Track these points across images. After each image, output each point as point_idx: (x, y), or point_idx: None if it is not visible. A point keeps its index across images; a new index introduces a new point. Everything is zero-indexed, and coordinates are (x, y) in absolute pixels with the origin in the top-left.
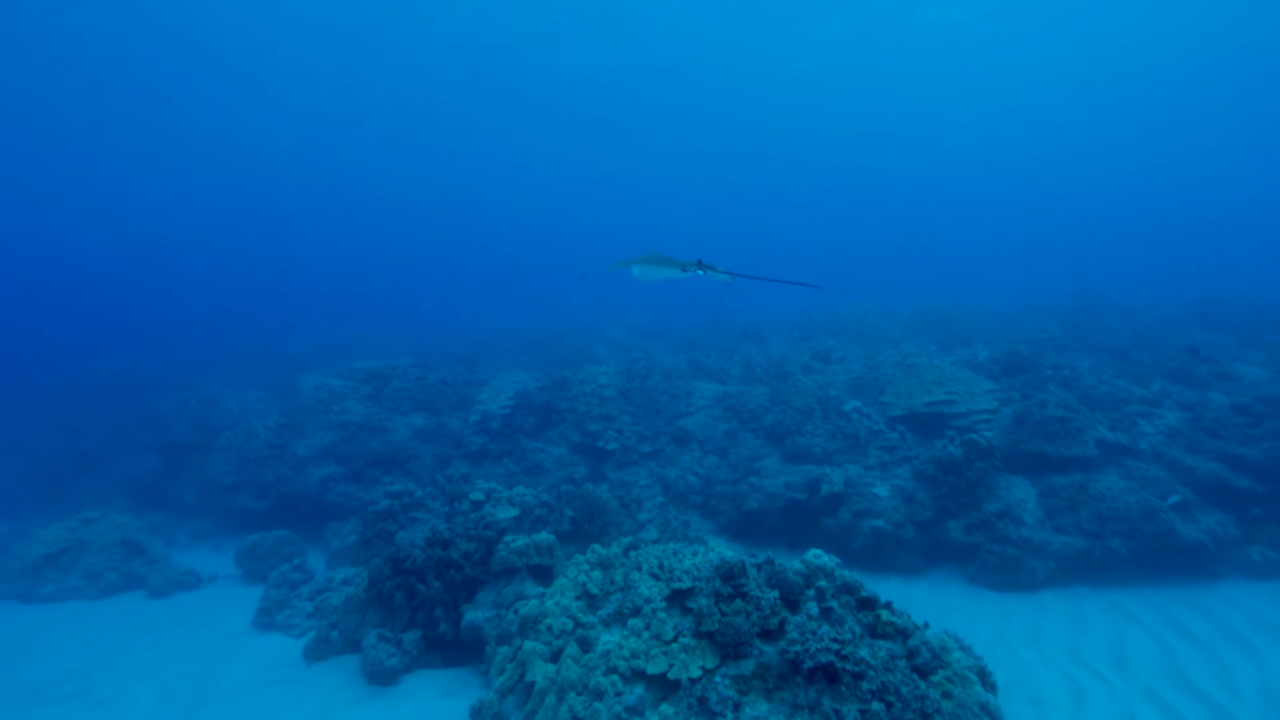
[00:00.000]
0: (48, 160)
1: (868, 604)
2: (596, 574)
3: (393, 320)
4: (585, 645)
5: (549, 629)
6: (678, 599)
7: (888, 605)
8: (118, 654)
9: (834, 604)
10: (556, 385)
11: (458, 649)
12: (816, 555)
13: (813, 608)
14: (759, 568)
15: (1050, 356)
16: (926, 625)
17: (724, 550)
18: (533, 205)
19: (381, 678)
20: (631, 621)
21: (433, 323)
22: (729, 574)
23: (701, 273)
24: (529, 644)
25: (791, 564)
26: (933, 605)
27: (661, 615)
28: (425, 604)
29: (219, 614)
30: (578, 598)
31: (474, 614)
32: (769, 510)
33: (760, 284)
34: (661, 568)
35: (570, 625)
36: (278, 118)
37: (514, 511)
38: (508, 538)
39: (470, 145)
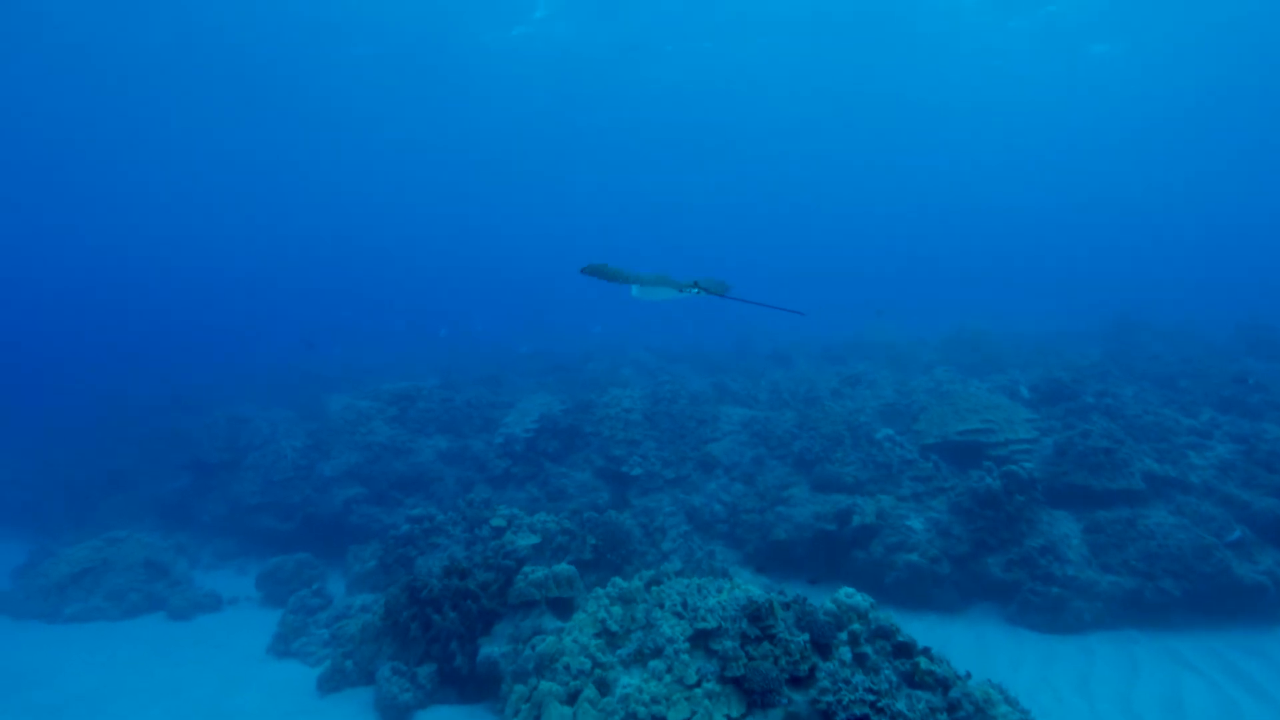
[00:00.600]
0: (80, 183)
1: (905, 650)
2: (617, 609)
3: (418, 341)
4: (603, 688)
5: (566, 668)
6: (702, 640)
7: (926, 652)
8: (132, 677)
9: (868, 649)
10: (581, 408)
11: (473, 684)
12: (849, 594)
13: (846, 653)
14: (787, 607)
15: (1092, 383)
16: (969, 675)
17: (751, 588)
18: (553, 228)
19: (394, 713)
20: (653, 663)
21: (458, 344)
22: (756, 614)
23: (696, 292)
24: (545, 684)
25: (822, 603)
26: (972, 647)
27: (684, 657)
28: (441, 636)
29: (237, 638)
30: (597, 635)
31: (490, 648)
32: (797, 541)
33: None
34: (685, 605)
35: (588, 665)
36: (298, 138)
37: (535, 539)
38: (527, 568)
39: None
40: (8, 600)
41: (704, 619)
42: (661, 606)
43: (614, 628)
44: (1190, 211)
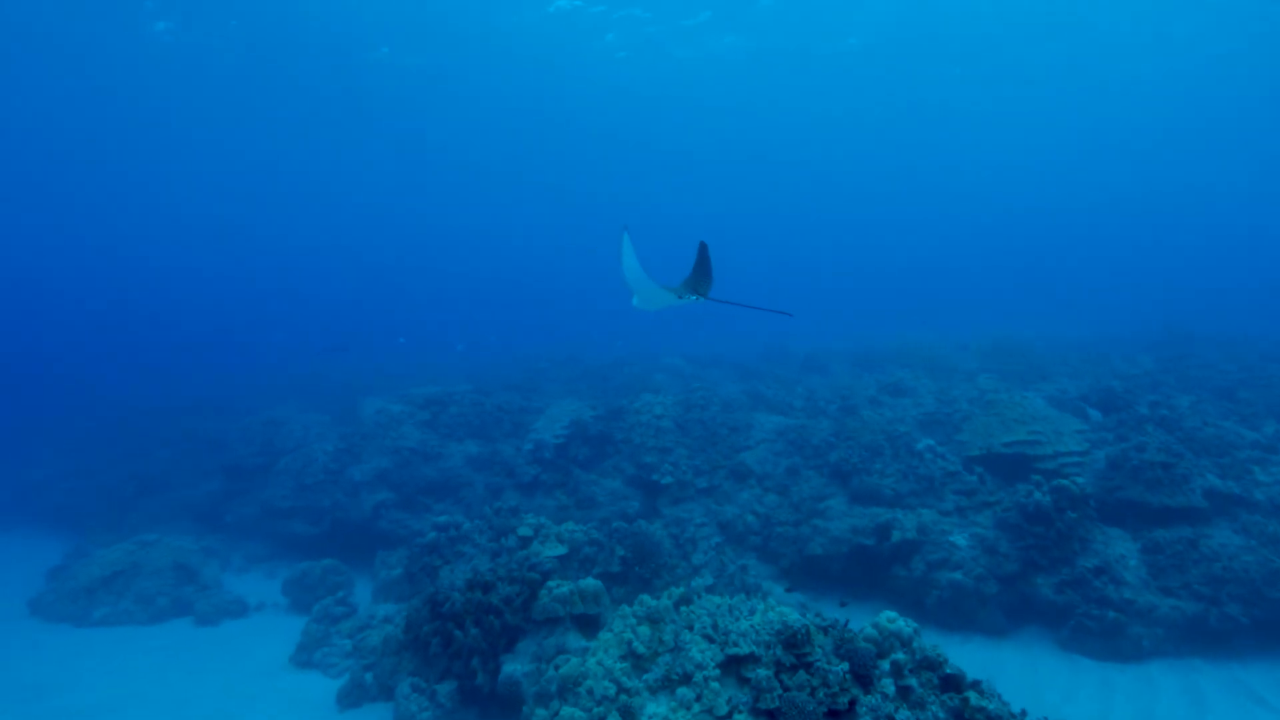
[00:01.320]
0: (117, 192)
1: (953, 683)
2: (644, 630)
3: (450, 347)
4: (628, 716)
5: (589, 693)
6: (733, 666)
7: (976, 686)
8: (153, 686)
9: (913, 681)
10: (612, 415)
11: (495, 704)
12: (890, 619)
13: (888, 685)
14: (826, 631)
15: (1145, 393)
16: (1024, 714)
17: (786, 610)
18: (581, 234)
19: None
20: (681, 691)
21: (490, 350)
22: (792, 641)
23: (694, 298)
24: (567, 710)
25: (862, 627)
26: (1023, 674)
27: (715, 685)
28: (462, 653)
29: (260, 647)
30: (622, 657)
31: (513, 666)
32: (834, 556)
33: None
34: (716, 628)
35: (613, 690)
36: (326, 149)
37: (562, 549)
38: (551, 583)
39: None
40: (40, 602)
41: (736, 644)
42: (691, 629)
43: (640, 649)
44: (1237, 214)
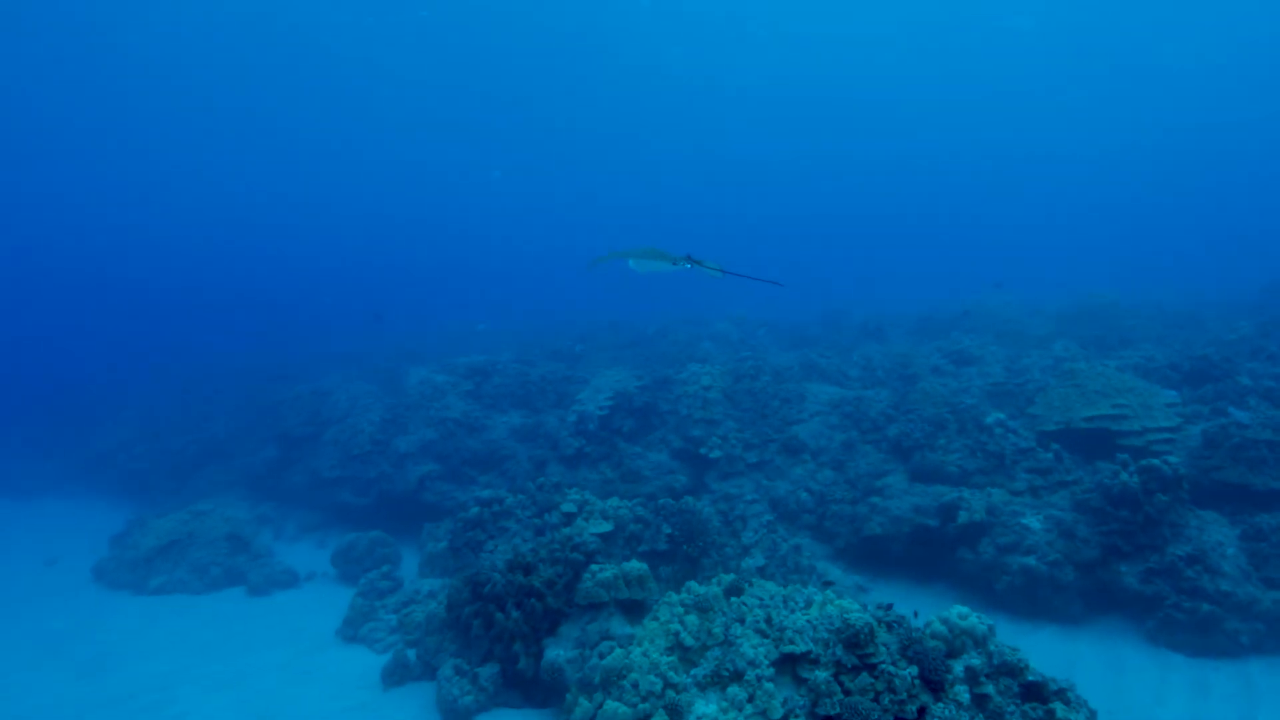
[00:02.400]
0: (182, 164)
1: (1035, 692)
2: (692, 619)
3: (500, 311)
4: (675, 714)
5: (634, 687)
6: (789, 665)
7: (1062, 695)
8: (206, 662)
9: (990, 688)
10: (658, 385)
11: (538, 688)
12: (962, 615)
13: (962, 693)
14: (890, 627)
15: (1244, 362)
16: None
17: (847, 604)
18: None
19: (455, 717)
20: (732, 689)
21: (537, 314)
22: (854, 640)
23: (689, 266)
24: (611, 704)
25: (929, 622)
26: (1104, 668)
27: (769, 686)
28: (504, 636)
29: (308, 619)
30: (669, 649)
31: (556, 651)
32: (893, 536)
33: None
34: (770, 622)
35: (659, 686)
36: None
37: (607, 526)
38: (595, 566)
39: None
40: (102, 569)
41: (792, 641)
42: (742, 621)
43: (688, 641)
44: None
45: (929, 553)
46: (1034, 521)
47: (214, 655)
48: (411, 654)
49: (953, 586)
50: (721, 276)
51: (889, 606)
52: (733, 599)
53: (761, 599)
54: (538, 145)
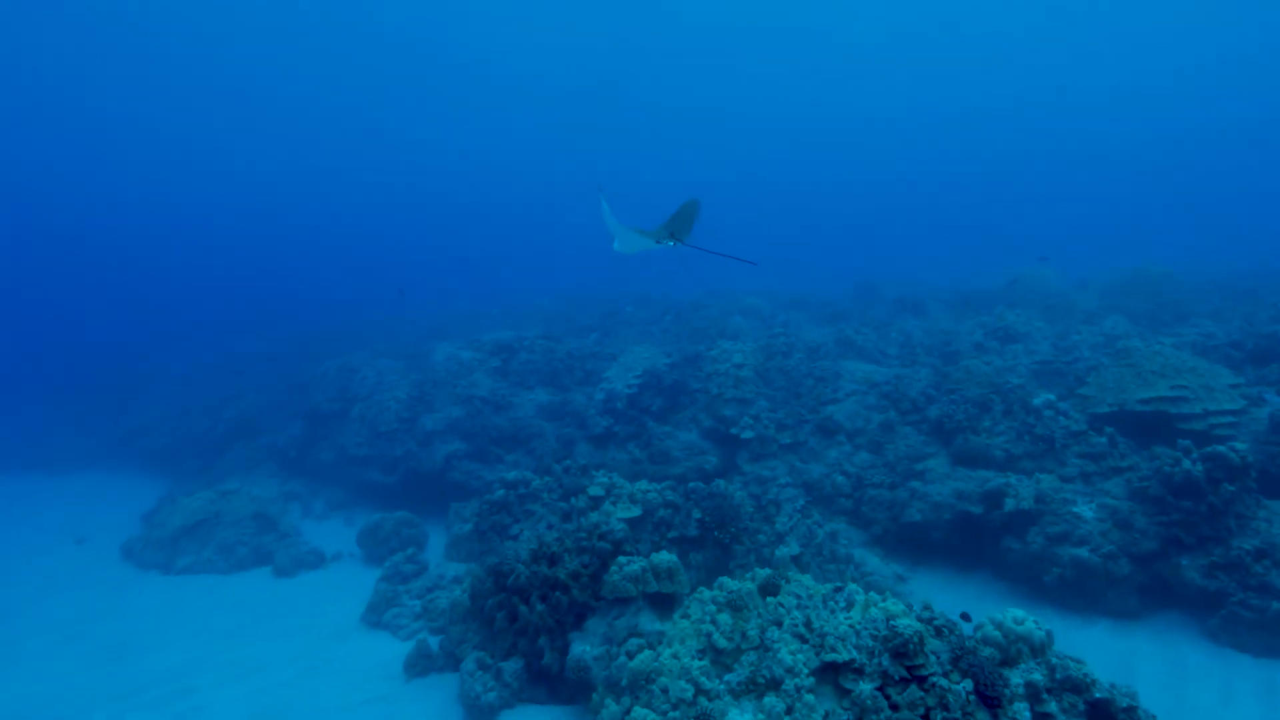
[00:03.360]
0: (217, 146)
1: (1103, 712)
2: (725, 618)
3: (527, 284)
4: None
5: (664, 692)
6: (830, 674)
7: (1132, 714)
8: (229, 648)
9: (1053, 706)
10: (688, 361)
11: (564, 683)
12: (1018, 620)
13: (1022, 712)
14: (939, 632)
15: None
16: None
17: (891, 606)
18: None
19: (477, 713)
20: (768, 700)
21: (566, 288)
22: (902, 649)
23: (672, 243)
24: (639, 710)
25: (979, 625)
26: (1164, 668)
27: (809, 698)
28: (528, 630)
29: (333, 603)
30: (700, 652)
31: (582, 647)
32: (934, 524)
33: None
34: (809, 625)
35: (690, 693)
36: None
37: (635, 511)
38: (622, 559)
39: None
40: (130, 549)
41: (833, 648)
42: (779, 625)
43: (721, 643)
44: None
45: (971, 540)
46: (1086, 510)
47: (236, 641)
48: (434, 643)
49: (997, 576)
50: (734, 258)
51: (941, 616)
52: (769, 599)
53: (799, 597)
54: (573, 118)
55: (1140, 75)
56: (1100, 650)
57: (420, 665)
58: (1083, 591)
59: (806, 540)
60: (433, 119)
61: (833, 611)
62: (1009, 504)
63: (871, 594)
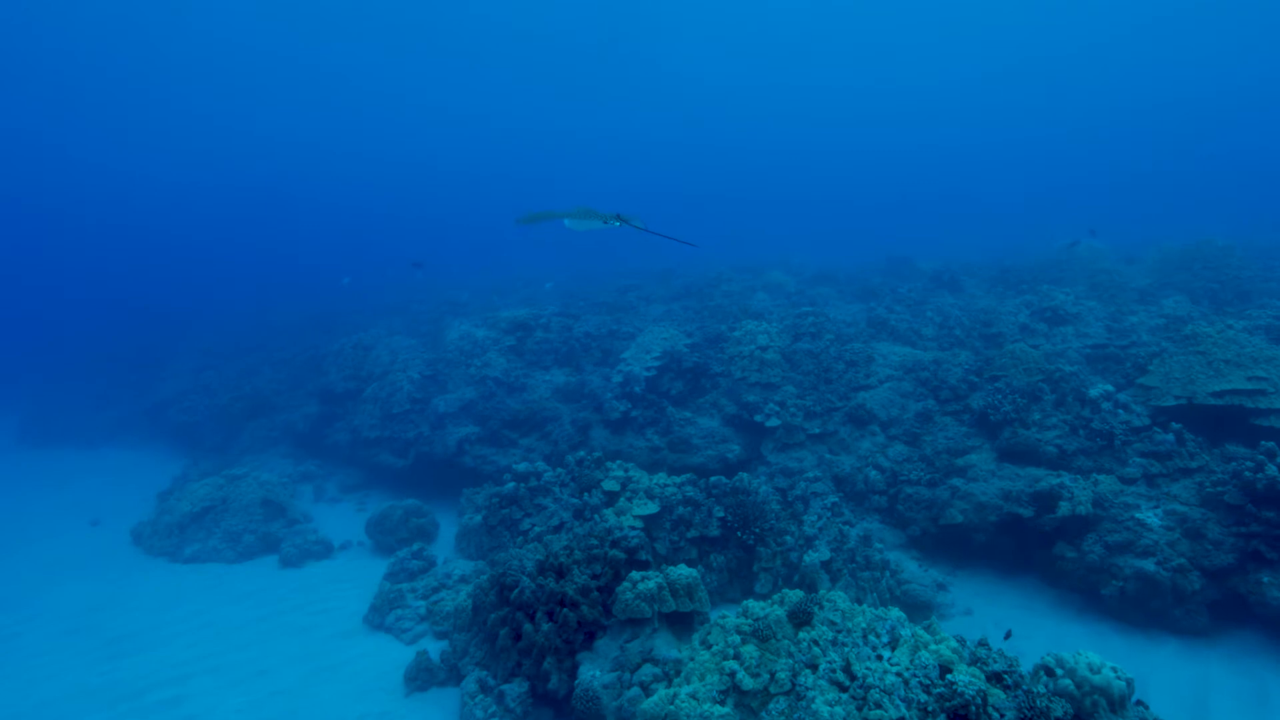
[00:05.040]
0: (240, 121)
1: None
2: (750, 651)
3: (549, 257)
4: None
5: None
6: None
7: None
8: (227, 650)
9: None
10: (710, 343)
11: (570, 714)
12: (1093, 668)
13: None
14: (998, 679)
15: None
16: None
17: (945, 648)
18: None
19: None
20: None
21: (587, 261)
22: (961, 713)
23: (619, 223)
24: None
25: (1043, 666)
26: (1242, 695)
27: None
28: (533, 650)
29: (337, 598)
30: (722, 693)
31: (591, 672)
32: (978, 526)
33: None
34: (849, 671)
35: None
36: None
37: (652, 507)
38: (635, 574)
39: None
40: (140, 534)
41: (879, 704)
42: (814, 668)
43: (746, 683)
44: None
45: (1018, 542)
46: (1151, 517)
47: (236, 641)
48: (436, 654)
49: (1046, 583)
50: (675, 239)
51: (999, 657)
52: (801, 629)
53: (835, 627)
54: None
55: (1180, 34)
56: (1169, 675)
57: (421, 679)
58: (1146, 608)
59: (838, 544)
60: (456, 86)
61: (875, 650)
62: (1064, 508)
63: (919, 631)
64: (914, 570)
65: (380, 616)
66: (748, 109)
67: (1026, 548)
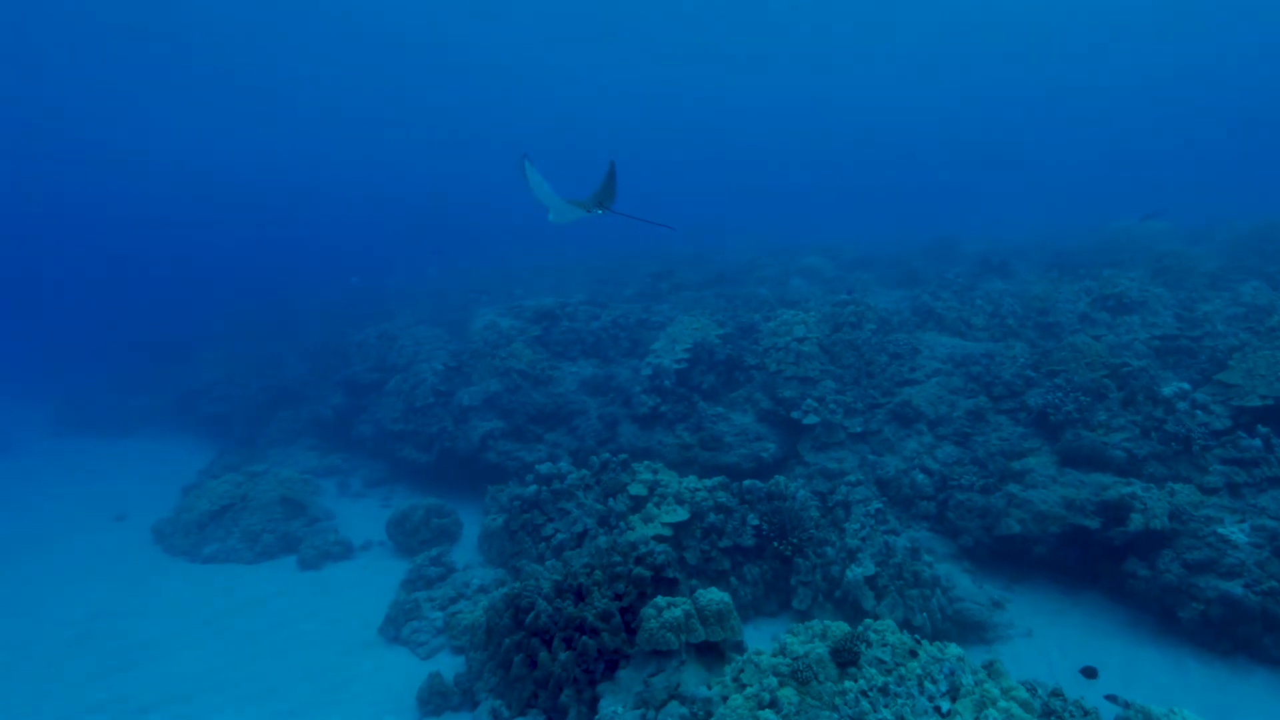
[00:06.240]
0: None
1: None
2: (788, 695)
3: (579, 242)
4: None
5: None
6: None
7: None
8: (238, 661)
9: None
10: (743, 333)
11: None
12: None
13: None
14: None
15: None
16: None
17: (1018, 708)
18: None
19: None
20: None
21: (621, 246)
22: None
23: (600, 212)
24: None
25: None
26: None
27: None
28: (549, 682)
29: (355, 605)
30: None
31: (612, 706)
32: (1037, 537)
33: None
34: None
35: None
36: None
37: (682, 513)
38: (660, 600)
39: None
40: (161, 531)
41: None
42: None
43: None
44: None
45: (1085, 559)
46: (1237, 533)
47: (247, 653)
48: (451, 673)
49: (1113, 600)
50: (655, 223)
51: (1077, 710)
52: (847, 680)
53: (885, 667)
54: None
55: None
56: (1257, 709)
57: (434, 703)
58: (1230, 634)
59: (883, 557)
60: (499, 50)
61: (932, 701)
62: (1136, 521)
63: (982, 677)
64: (967, 586)
65: (396, 628)
66: (778, 86)
67: (1091, 561)
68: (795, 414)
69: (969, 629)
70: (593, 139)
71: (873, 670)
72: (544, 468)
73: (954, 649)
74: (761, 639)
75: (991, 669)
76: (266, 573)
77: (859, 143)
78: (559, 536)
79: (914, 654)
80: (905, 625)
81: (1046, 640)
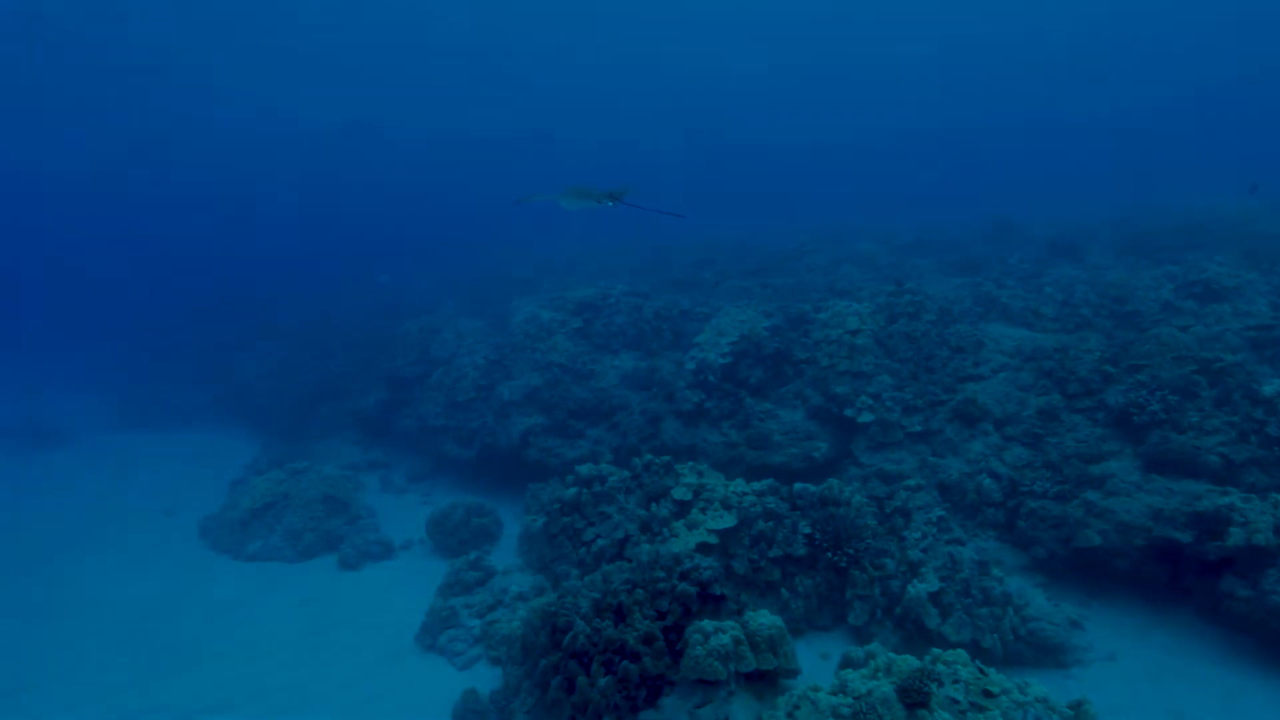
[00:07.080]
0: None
1: None
2: None
3: (620, 231)
4: None
5: None
6: None
7: None
8: (275, 668)
9: None
10: (792, 324)
11: None
12: None
13: None
14: None
15: None
16: None
17: None
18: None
19: None
20: None
21: (659, 234)
22: None
23: (611, 204)
24: None
25: None
26: None
27: None
28: (588, 709)
29: (392, 609)
30: None
31: None
32: (1120, 550)
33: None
34: None
35: None
36: None
37: (729, 520)
38: (707, 624)
39: None
40: (207, 528)
41: None
42: None
43: None
44: None
45: (1173, 572)
46: None
47: (285, 659)
48: (486, 691)
49: (1205, 620)
50: (666, 213)
51: None
52: (916, 715)
53: (959, 708)
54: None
55: None
56: None
57: None
58: None
59: (948, 571)
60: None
61: None
62: (1236, 535)
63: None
64: (1041, 604)
65: (432, 637)
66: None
67: (1180, 575)
68: (849, 411)
69: (1045, 652)
70: (638, 123)
71: (945, 715)
72: (585, 469)
73: (1036, 688)
74: (813, 656)
75: (1080, 712)
76: (307, 574)
77: (906, 120)
78: (599, 542)
79: (989, 693)
80: (974, 648)
81: (1131, 665)
